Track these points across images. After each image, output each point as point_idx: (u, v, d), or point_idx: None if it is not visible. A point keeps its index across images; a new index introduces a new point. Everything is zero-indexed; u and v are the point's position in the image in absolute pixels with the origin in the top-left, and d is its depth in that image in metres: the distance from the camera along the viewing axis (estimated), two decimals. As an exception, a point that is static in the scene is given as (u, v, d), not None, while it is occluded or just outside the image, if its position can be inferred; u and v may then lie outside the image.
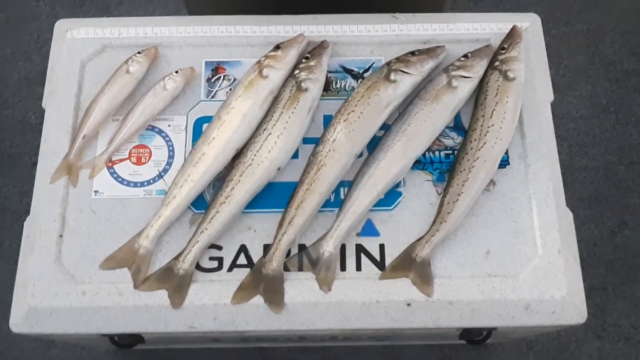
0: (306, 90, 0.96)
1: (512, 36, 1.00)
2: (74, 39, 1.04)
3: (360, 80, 1.01)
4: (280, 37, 1.04)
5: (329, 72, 1.01)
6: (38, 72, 1.58)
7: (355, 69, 1.03)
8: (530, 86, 1.01)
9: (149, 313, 0.88)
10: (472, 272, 0.90)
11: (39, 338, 0.93)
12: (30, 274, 0.89)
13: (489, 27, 1.06)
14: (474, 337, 1.10)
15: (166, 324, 0.88)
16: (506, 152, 0.96)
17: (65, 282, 0.89)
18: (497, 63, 0.98)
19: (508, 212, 0.93)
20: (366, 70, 1.03)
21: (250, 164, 0.92)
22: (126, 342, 1.07)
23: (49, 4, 1.77)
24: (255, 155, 0.92)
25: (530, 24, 1.06)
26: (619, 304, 1.50)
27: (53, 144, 0.97)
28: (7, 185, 1.58)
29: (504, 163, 0.96)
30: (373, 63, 1.04)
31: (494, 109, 0.94)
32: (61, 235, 0.92)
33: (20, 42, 1.72)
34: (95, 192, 0.95)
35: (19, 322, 0.88)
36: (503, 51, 0.99)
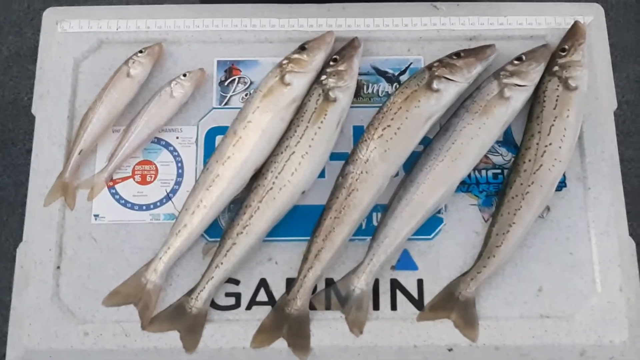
0: (335, 100, 0.83)
1: (574, 35, 0.86)
2: (66, 33, 0.91)
3: (395, 84, 0.88)
4: (303, 32, 0.90)
5: (359, 74, 0.88)
6: (30, 47, 1.43)
7: (390, 71, 0.90)
8: (592, 93, 0.88)
9: (159, 357, 0.79)
10: (521, 312, 0.80)
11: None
12: (26, 311, 0.81)
13: (546, 21, 0.92)
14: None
15: (178, 368, 0.79)
16: (563, 173, 0.83)
17: (65, 320, 0.80)
18: (556, 68, 0.85)
19: (563, 242, 0.83)
20: (402, 72, 0.90)
21: (271, 188, 0.80)
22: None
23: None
24: (276, 177, 0.81)
25: (593, 17, 0.92)
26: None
27: (45, 159, 0.86)
28: (1, 174, 1.47)
29: (560, 185, 0.84)
30: (410, 63, 0.90)
31: (553, 125, 0.82)
32: (58, 267, 0.82)
33: (9, 14, 1.56)
34: (95, 216, 0.84)
35: (15, 364, 0.79)
36: (563, 53, 0.85)
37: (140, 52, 0.88)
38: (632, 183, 1.48)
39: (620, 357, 0.79)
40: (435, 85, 0.83)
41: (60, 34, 0.91)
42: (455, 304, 0.79)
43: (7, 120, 1.47)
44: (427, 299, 0.80)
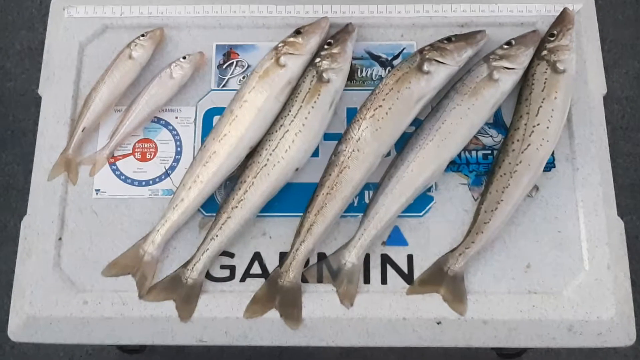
0: (328, 81, 0.86)
1: (563, 21, 0.89)
2: (72, 19, 0.95)
3: (389, 69, 0.91)
4: (300, 19, 0.93)
5: (354, 58, 0.91)
6: (41, 41, 1.48)
7: (384, 56, 0.93)
8: (581, 78, 0.90)
9: (155, 325, 0.81)
10: (509, 287, 0.82)
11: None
12: (28, 279, 0.83)
13: (536, 8, 0.94)
14: (508, 352, 1.03)
15: (173, 337, 0.81)
16: (552, 154, 0.85)
17: (65, 289, 0.82)
18: (544, 52, 0.87)
19: (552, 221, 0.84)
20: (395, 57, 0.92)
21: (265, 165, 0.83)
22: (133, 349, 1.01)
23: (52, -31, 1.66)
24: (270, 154, 0.83)
25: (583, 5, 0.94)
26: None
27: (50, 136, 0.89)
28: (11, 162, 1.51)
29: (549, 165, 0.86)
30: (403, 49, 0.93)
31: (541, 106, 0.84)
32: (60, 238, 0.85)
33: (22, 10, 1.61)
34: (97, 190, 0.87)
35: (17, 331, 0.82)
36: (552, 38, 0.87)
37: (142, 35, 0.91)
38: (632, 177, 1.48)
39: (608, 333, 0.80)
40: (425, 67, 0.86)
41: (67, 19, 0.95)
42: (444, 279, 0.81)
43: (18, 111, 1.52)
44: (417, 273, 0.82)
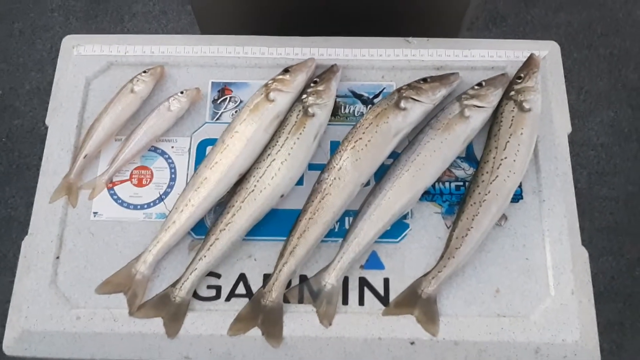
0: (313, 115, 0.93)
1: (529, 65, 0.96)
2: (80, 56, 1.03)
3: (370, 106, 0.98)
4: (289, 60, 1.01)
5: (338, 96, 0.98)
6: (50, 82, 1.58)
7: (365, 94, 1.00)
8: (547, 117, 0.97)
9: (143, 341, 0.85)
10: (480, 311, 0.86)
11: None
12: (25, 295, 0.87)
13: (506, 54, 1.02)
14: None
15: (160, 353, 0.85)
16: (520, 186, 0.92)
17: (59, 305, 0.87)
18: (512, 93, 0.94)
19: (520, 249, 0.89)
20: (376, 96, 1.00)
21: (253, 190, 0.89)
22: None
23: (62, 15, 1.77)
24: (258, 181, 0.90)
25: (548, 52, 1.02)
26: (636, 341, 1.44)
27: (54, 162, 0.96)
28: (14, 195, 1.57)
29: (517, 197, 0.92)
30: (384, 88, 1.01)
31: (508, 141, 0.91)
32: (58, 257, 0.90)
33: (33, 53, 1.72)
34: (95, 213, 0.92)
35: (11, 344, 0.86)
36: (519, 80, 0.95)
37: (144, 72, 0.99)
38: (608, 220, 1.54)
39: (573, 356, 0.84)
40: (402, 104, 0.93)
41: (76, 57, 1.03)
42: (417, 301, 0.86)
43: (24, 147, 1.59)
44: (393, 296, 0.87)
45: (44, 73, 1.67)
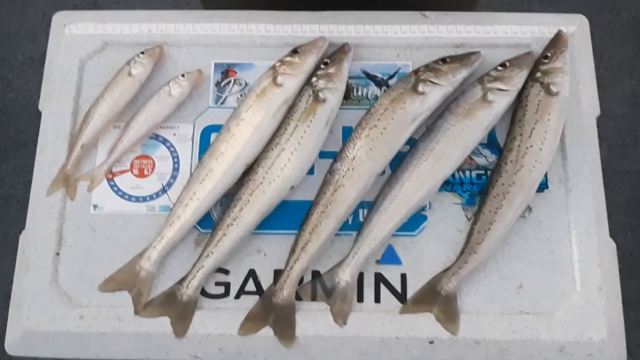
0: (324, 101, 0.87)
1: (557, 43, 0.89)
2: (73, 35, 0.96)
3: (384, 88, 0.92)
4: (297, 38, 0.94)
5: (349, 77, 0.92)
6: (43, 52, 1.51)
7: (379, 75, 0.94)
8: (575, 99, 0.91)
9: (150, 341, 0.82)
10: (502, 308, 0.82)
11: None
12: (26, 294, 0.84)
13: (530, 30, 0.95)
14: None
15: (168, 353, 0.82)
16: (545, 175, 0.86)
17: (61, 304, 0.83)
18: (538, 74, 0.88)
19: (545, 242, 0.85)
20: (391, 77, 0.93)
21: (261, 183, 0.84)
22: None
23: (55, -19, 1.68)
24: (266, 172, 0.84)
25: (577, 27, 0.95)
26: (655, 317, 1.41)
27: (50, 152, 0.90)
28: (12, 173, 1.53)
29: (542, 187, 0.87)
30: (399, 69, 0.94)
31: (534, 128, 0.85)
32: (58, 253, 0.86)
33: (25, 21, 1.64)
34: (95, 206, 0.88)
35: (14, 345, 0.83)
36: (546, 60, 0.88)
37: (142, 53, 0.92)
38: (628, 194, 1.49)
39: (599, 354, 0.81)
40: (420, 88, 0.87)
41: (68, 36, 0.96)
42: (437, 298, 0.82)
43: (19, 122, 1.54)
44: (410, 292, 0.83)
45: (37, 43, 1.60)
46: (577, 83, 0.92)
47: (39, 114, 0.93)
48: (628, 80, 1.57)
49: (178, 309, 0.82)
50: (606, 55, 1.58)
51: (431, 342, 0.81)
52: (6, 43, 1.62)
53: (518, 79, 0.88)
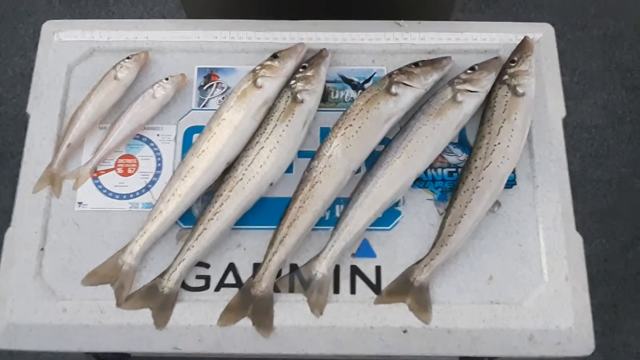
0: (302, 102, 0.91)
1: (523, 48, 0.94)
2: (61, 42, 1.00)
3: (360, 91, 0.96)
4: (277, 44, 0.99)
5: (327, 81, 0.96)
6: (33, 68, 1.55)
7: (356, 79, 0.98)
8: (541, 101, 0.95)
9: (132, 332, 0.84)
10: (472, 298, 0.85)
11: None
12: (10, 288, 0.86)
13: (499, 37, 1.00)
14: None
15: (149, 344, 0.84)
16: (513, 172, 0.90)
17: (45, 298, 0.85)
18: (506, 77, 0.93)
19: (513, 235, 0.88)
20: (367, 81, 0.98)
21: (241, 179, 0.87)
22: (111, 359, 1.03)
23: (45, -3, 1.73)
24: (246, 169, 0.88)
25: (542, 34, 1.00)
26: (628, 323, 1.44)
27: (36, 152, 0.93)
28: (-2, 184, 1.55)
29: (511, 183, 0.90)
30: (374, 73, 0.98)
31: (501, 126, 0.89)
32: (42, 249, 0.88)
33: (16, 38, 1.68)
34: (79, 203, 0.90)
35: (-3, 338, 0.84)
36: (513, 64, 0.93)
37: (128, 58, 0.96)
38: (601, 202, 1.53)
39: (567, 342, 0.83)
40: (393, 89, 0.91)
41: (56, 43, 1.00)
42: (410, 289, 0.84)
43: (7, 134, 1.56)
44: (384, 284, 0.85)
45: (27, 59, 1.64)
46: (544, 87, 0.97)
47: (27, 126, 0.96)
48: (599, 94, 1.63)
49: (159, 301, 0.84)
50: (578, 70, 1.64)
51: (405, 332, 0.83)
52: (-3, 59, 1.67)
53: (486, 81, 0.92)
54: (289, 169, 0.91)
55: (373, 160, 0.90)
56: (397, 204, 0.89)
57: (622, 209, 1.55)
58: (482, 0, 1.74)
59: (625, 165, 1.60)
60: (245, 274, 0.86)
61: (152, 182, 0.92)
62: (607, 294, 1.45)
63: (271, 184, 0.89)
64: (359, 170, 0.90)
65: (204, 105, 0.96)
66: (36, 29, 1.70)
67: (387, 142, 0.91)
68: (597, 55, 1.68)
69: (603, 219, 1.51)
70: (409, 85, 0.91)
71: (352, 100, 0.96)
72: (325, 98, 0.96)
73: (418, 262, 0.85)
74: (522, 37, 0.97)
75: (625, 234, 1.52)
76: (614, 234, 1.50)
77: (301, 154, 0.92)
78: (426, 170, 0.91)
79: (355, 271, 0.86)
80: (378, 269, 0.87)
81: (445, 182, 0.91)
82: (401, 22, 1.02)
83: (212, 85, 0.98)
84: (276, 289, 0.85)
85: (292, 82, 0.93)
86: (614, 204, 1.55)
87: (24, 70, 1.63)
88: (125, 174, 0.92)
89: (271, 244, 0.85)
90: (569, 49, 1.60)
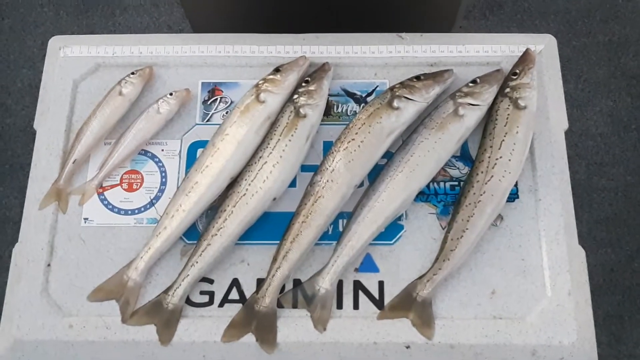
0: (305, 116, 0.91)
1: (525, 61, 0.94)
2: (67, 57, 1.01)
3: (363, 105, 0.97)
4: (280, 58, 0.99)
5: (330, 95, 0.97)
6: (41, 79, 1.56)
7: (358, 93, 0.98)
8: (543, 113, 0.95)
9: (136, 349, 0.84)
10: (475, 313, 0.85)
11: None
12: (17, 304, 0.87)
13: (501, 49, 1.00)
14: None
15: (154, 360, 0.84)
16: (515, 185, 0.90)
17: (51, 314, 0.86)
18: (507, 90, 0.93)
19: (516, 249, 0.88)
20: (369, 94, 0.98)
21: (244, 194, 0.88)
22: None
23: (53, 10, 1.74)
24: (249, 184, 0.88)
25: (544, 46, 1.00)
26: (635, 333, 1.43)
27: (43, 168, 0.94)
28: (8, 196, 1.56)
29: (513, 196, 0.90)
30: (377, 86, 0.99)
31: (503, 140, 0.89)
32: (49, 265, 0.89)
33: (24, 49, 1.70)
34: (85, 219, 0.91)
35: (4, 354, 0.85)
36: (514, 77, 0.93)
37: (133, 73, 0.97)
38: (607, 211, 1.52)
39: (570, 357, 0.83)
40: (395, 103, 0.91)
41: (62, 58, 1.01)
42: (412, 304, 0.85)
43: (17, 146, 1.58)
44: (387, 299, 0.86)
45: (36, 70, 1.65)
46: (546, 99, 0.97)
47: (35, 140, 0.97)
48: (605, 101, 1.62)
49: (164, 317, 0.85)
50: (583, 77, 1.63)
51: (407, 347, 0.84)
52: (5, 70, 1.68)
53: (488, 94, 0.92)
54: (292, 184, 0.92)
55: (376, 174, 0.90)
56: (399, 218, 0.90)
57: (628, 217, 1.54)
58: (486, 8, 1.73)
59: (631, 174, 1.58)
60: (249, 289, 0.87)
61: (157, 198, 0.92)
62: (612, 304, 1.44)
63: (274, 199, 0.90)
64: (361, 184, 0.91)
65: (208, 120, 0.97)
66: (44, 40, 1.72)
67: (389, 156, 0.91)
68: (603, 62, 1.67)
69: (609, 228, 1.50)
70: (411, 99, 0.92)
71: (355, 113, 0.96)
72: (328, 112, 0.96)
73: (421, 277, 0.85)
74: (524, 49, 0.97)
75: (631, 242, 1.51)
76: (619, 242, 1.49)
77: (304, 168, 0.92)
78: (429, 184, 0.91)
79: (358, 286, 0.87)
80: (381, 283, 0.87)
81: (448, 196, 0.91)
82: (403, 34, 1.02)
83: (216, 99, 0.98)
84: (279, 305, 0.85)
85: (295, 96, 0.93)
86: (619, 213, 1.54)
87: (32, 82, 1.65)
88: (130, 189, 0.93)
89: (274, 259, 0.86)
90: (574, 56, 1.59)
